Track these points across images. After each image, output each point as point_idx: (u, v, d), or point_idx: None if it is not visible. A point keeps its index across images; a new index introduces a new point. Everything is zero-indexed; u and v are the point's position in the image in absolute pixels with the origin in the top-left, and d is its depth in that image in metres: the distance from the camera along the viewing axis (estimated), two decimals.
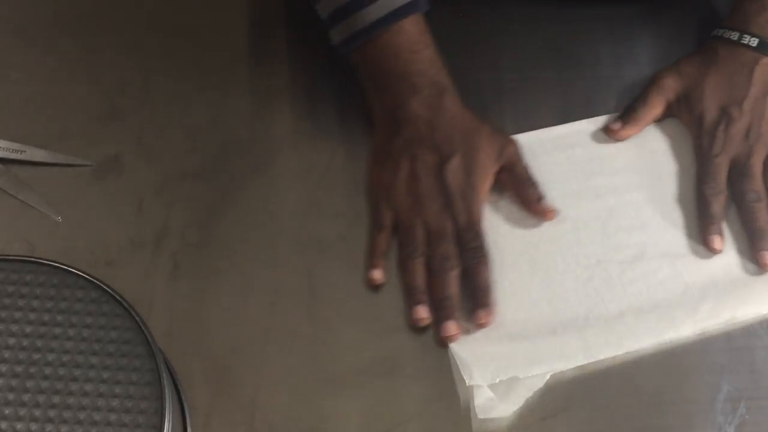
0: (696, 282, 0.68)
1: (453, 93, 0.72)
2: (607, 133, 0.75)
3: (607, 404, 0.64)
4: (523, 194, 0.71)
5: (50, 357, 0.52)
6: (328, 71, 0.74)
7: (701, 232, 0.70)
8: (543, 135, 0.75)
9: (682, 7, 0.84)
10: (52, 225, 0.69)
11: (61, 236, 0.68)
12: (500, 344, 0.65)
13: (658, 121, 0.76)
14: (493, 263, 0.68)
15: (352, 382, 0.64)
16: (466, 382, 0.62)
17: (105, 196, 0.71)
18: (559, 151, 0.75)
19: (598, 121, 0.76)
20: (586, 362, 0.64)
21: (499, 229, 0.71)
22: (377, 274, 0.67)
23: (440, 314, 0.65)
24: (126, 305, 0.54)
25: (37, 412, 0.50)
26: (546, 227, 0.71)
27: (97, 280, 0.54)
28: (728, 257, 0.70)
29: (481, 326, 0.65)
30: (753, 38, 0.74)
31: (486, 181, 0.70)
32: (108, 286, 0.54)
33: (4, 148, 0.71)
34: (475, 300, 0.66)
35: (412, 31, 0.71)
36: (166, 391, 0.51)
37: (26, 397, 0.50)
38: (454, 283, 0.66)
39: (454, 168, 0.69)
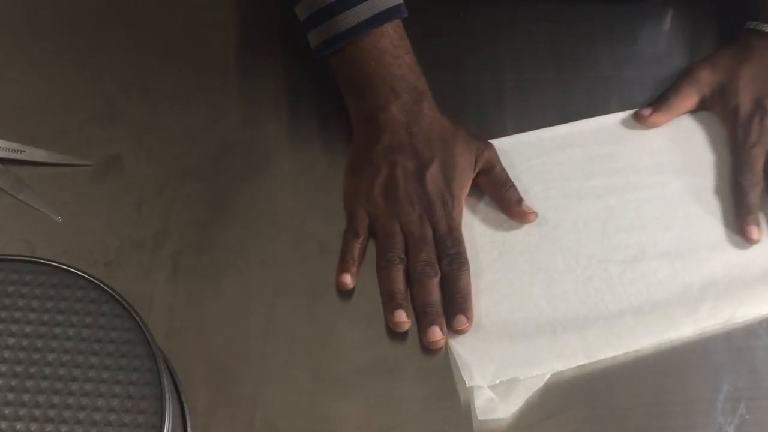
0: (696, 282, 0.68)
1: (430, 99, 0.72)
2: (637, 119, 0.76)
3: (607, 404, 0.63)
4: (502, 197, 0.71)
5: (50, 357, 0.52)
6: (329, 71, 0.74)
7: (738, 223, 0.71)
8: (543, 135, 0.75)
9: (682, 7, 0.84)
10: (52, 225, 0.69)
11: (61, 236, 0.68)
12: (500, 344, 0.65)
13: (691, 112, 0.77)
14: (493, 264, 0.68)
15: (352, 382, 0.64)
16: (467, 383, 0.62)
17: (105, 196, 0.71)
18: (559, 151, 0.75)
19: (598, 121, 0.76)
20: (586, 362, 0.64)
21: (499, 229, 0.71)
22: (347, 279, 0.67)
23: (424, 320, 0.65)
24: (126, 305, 0.54)
25: (37, 412, 0.50)
26: (546, 227, 0.71)
27: (97, 280, 0.54)
28: (728, 257, 0.70)
29: (459, 332, 0.65)
30: None
31: (465, 187, 0.70)
32: (108, 286, 0.54)
33: (4, 148, 0.71)
34: (455, 306, 0.65)
35: (394, 36, 0.71)
36: (166, 392, 0.51)
37: (26, 397, 0.50)
38: (436, 290, 0.66)
39: (433, 174, 0.69)
